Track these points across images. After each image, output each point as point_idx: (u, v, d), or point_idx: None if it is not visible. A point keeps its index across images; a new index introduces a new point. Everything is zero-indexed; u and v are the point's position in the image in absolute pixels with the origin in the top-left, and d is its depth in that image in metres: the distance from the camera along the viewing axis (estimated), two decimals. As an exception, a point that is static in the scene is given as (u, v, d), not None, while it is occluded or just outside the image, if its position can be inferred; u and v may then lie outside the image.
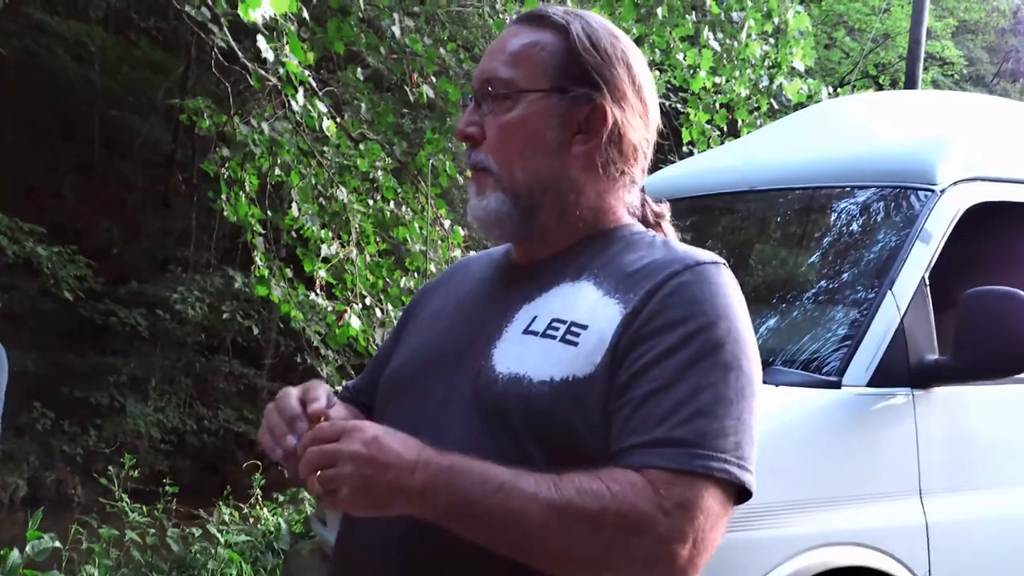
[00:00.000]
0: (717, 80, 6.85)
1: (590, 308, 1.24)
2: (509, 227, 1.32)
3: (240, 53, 5.97)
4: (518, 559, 1.14)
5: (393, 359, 1.42)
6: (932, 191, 2.99)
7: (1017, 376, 2.72)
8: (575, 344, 1.22)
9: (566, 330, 1.23)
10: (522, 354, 1.24)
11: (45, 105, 9.94)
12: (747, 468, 1.16)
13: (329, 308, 6.41)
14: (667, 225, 1.43)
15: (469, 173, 1.36)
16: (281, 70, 5.51)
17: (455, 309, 1.38)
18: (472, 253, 1.61)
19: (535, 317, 1.27)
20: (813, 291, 3.20)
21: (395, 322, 1.62)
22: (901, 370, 2.69)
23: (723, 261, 1.27)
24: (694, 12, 6.67)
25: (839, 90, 8.52)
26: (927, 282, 2.84)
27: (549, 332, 1.24)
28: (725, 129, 7.07)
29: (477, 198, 1.33)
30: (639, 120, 1.34)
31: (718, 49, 6.70)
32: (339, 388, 1.55)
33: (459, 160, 7.29)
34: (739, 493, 1.18)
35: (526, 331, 1.26)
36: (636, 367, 1.19)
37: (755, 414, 1.20)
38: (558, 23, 1.32)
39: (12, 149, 9.44)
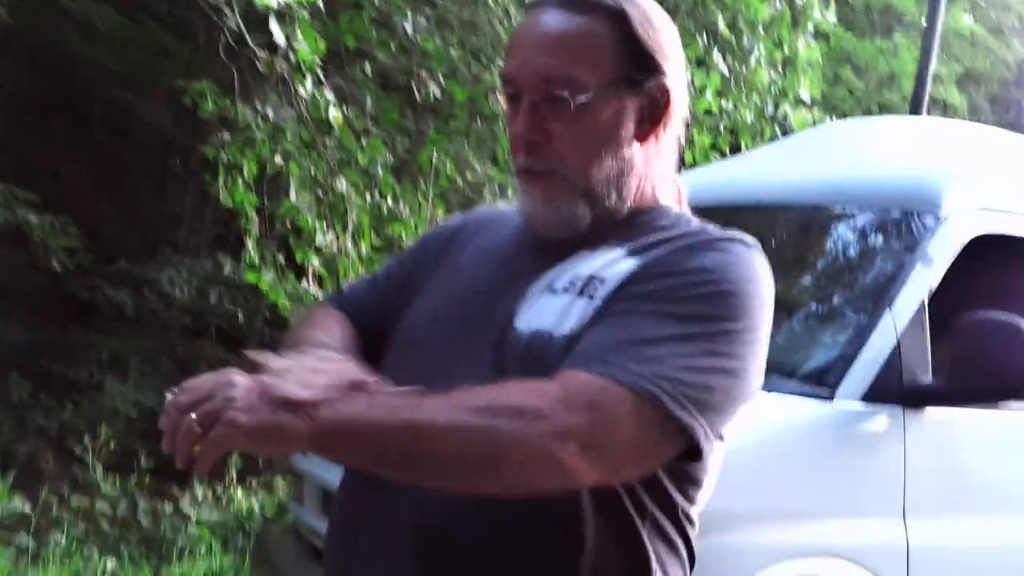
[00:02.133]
0: (723, 104, 6.86)
1: (610, 264, 1.22)
2: (579, 227, 1.25)
3: (250, 40, 5.95)
4: (410, 476, 1.07)
5: (415, 305, 1.35)
6: (937, 217, 2.99)
7: (1007, 403, 2.72)
8: (592, 297, 1.19)
9: (583, 284, 1.20)
10: (542, 310, 1.21)
11: (49, 82, 9.91)
12: (687, 409, 1.08)
13: (320, 297, 6.38)
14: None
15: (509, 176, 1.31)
16: (292, 56, 5.50)
17: (482, 265, 1.33)
18: (500, 206, 1.54)
19: (557, 276, 1.24)
20: (813, 307, 3.20)
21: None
22: (894, 389, 2.69)
23: (756, 244, 1.23)
24: (705, 33, 6.70)
25: (842, 126, 8.57)
26: (926, 306, 2.84)
27: (569, 288, 1.21)
28: (728, 153, 7.09)
29: (544, 204, 1.24)
30: (685, 88, 1.30)
31: (726, 73, 6.72)
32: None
33: (460, 162, 7.29)
34: (686, 446, 1.10)
35: (548, 289, 1.23)
36: (621, 295, 1.16)
37: (723, 386, 1.12)
38: (611, 8, 1.23)
39: (12, 124, 9.39)
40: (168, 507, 5.18)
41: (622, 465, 1.10)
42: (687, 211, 1.36)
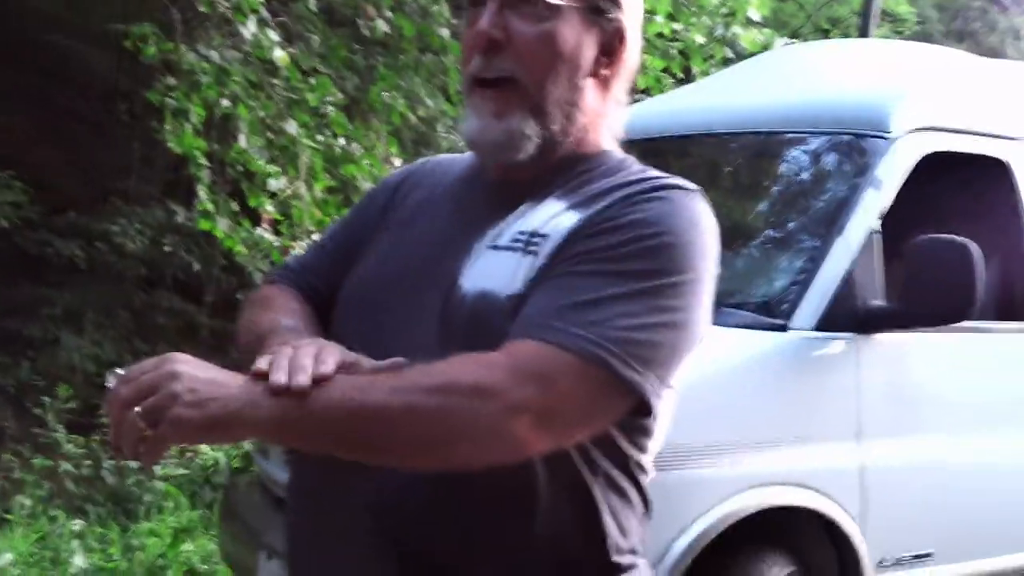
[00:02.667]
0: (675, 27, 6.79)
1: (551, 219, 1.20)
2: (524, 150, 1.21)
3: (188, -22, 5.77)
4: (365, 456, 1.06)
5: (362, 263, 1.32)
6: (886, 139, 2.99)
7: (959, 325, 2.76)
8: (536, 255, 1.17)
9: (526, 241, 1.18)
10: (486, 269, 1.19)
11: (-21, 27, 9.54)
12: (634, 368, 1.07)
13: (275, 243, 6.31)
14: None
15: (463, 89, 1.24)
16: (231, -4, 5.34)
17: (427, 223, 1.30)
18: (438, 156, 1.49)
19: (501, 232, 1.21)
20: (763, 236, 3.21)
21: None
22: (847, 315, 2.71)
23: (698, 189, 1.22)
24: (654, -44, 6.59)
25: (792, 41, 8.53)
26: (878, 230, 2.85)
27: (513, 245, 1.19)
28: (680, 76, 7.03)
29: (494, 118, 1.21)
30: (639, 42, 1.29)
31: (677, -5, 6.64)
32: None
33: (412, 98, 7.17)
34: (636, 403, 1.10)
35: (491, 246, 1.21)
36: (564, 256, 1.15)
37: (670, 340, 1.12)
38: None
39: (-56, 72, 9.07)
40: (133, 464, 5.15)
41: (573, 430, 1.10)
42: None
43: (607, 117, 1.29)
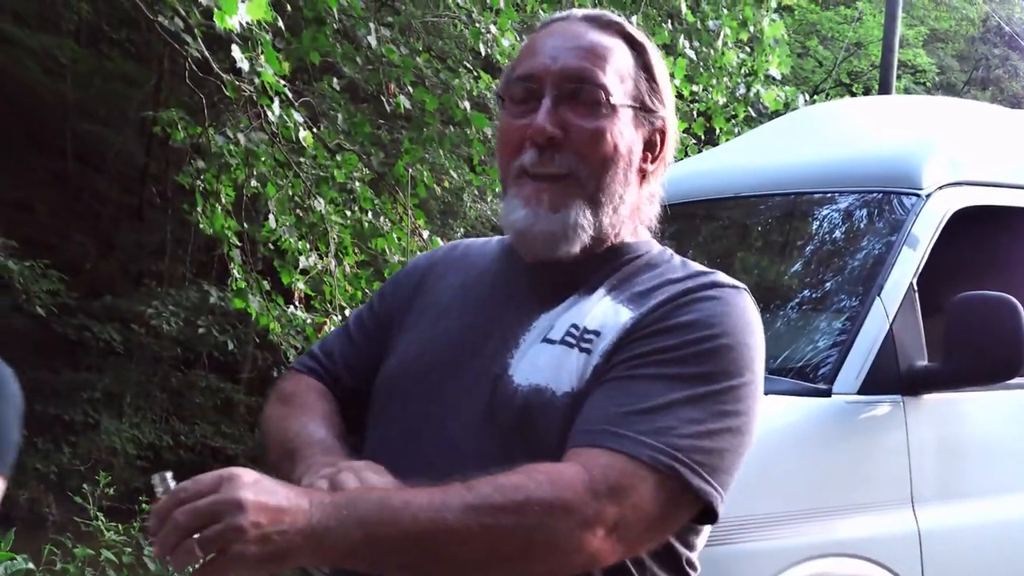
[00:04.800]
0: (694, 88, 6.84)
1: (603, 315, 1.20)
2: (579, 242, 1.22)
3: (214, 64, 5.90)
4: (439, 575, 1.04)
5: (396, 352, 1.31)
6: (918, 195, 2.97)
7: (1008, 382, 2.70)
8: (590, 352, 1.17)
9: (580, 337, 1.18)
10: (541, 363, 1.18)
11: (16, 119, 9.81)
12: (704, 478, 1.08)
13: (308, 320, 6.34)
14: None
15: (507, 179, 1.24)
16: (256, 80, 5.45)
17: (464, 306, 1.30)
18: (466, 240, 1.48)
19: (553, 325, 1.21)
20: (799, 299, 3.18)
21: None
22: (891, 377, 2.67)
23: (744, 287, 1.23)
24: (670, 20, 6.67)
25: (814, 98, 8.57)
26: (915, 288, 2.82)
27: (566, 340, 1.19)
28: (703, 137, 7.07)
29: (551, 211, 1.20)
30: (676, 135, 1.33)
31: (694, 57, 6.70)
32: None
33: (436, 170, 7.25)
34: (703, 510, 1.11)
35: (544, 339, 1.20)
36: (622, 357, 1.14)
37: (733, 445, 1.11)
38: (634, 37, 1.27)
39: (-18, 163, 9.30)
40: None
41: (644, 541, 1.10)
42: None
43: (644, 209, 1.32)
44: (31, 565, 4.31)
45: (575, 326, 1.20)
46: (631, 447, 1.06)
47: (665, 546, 1.17)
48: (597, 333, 1.18)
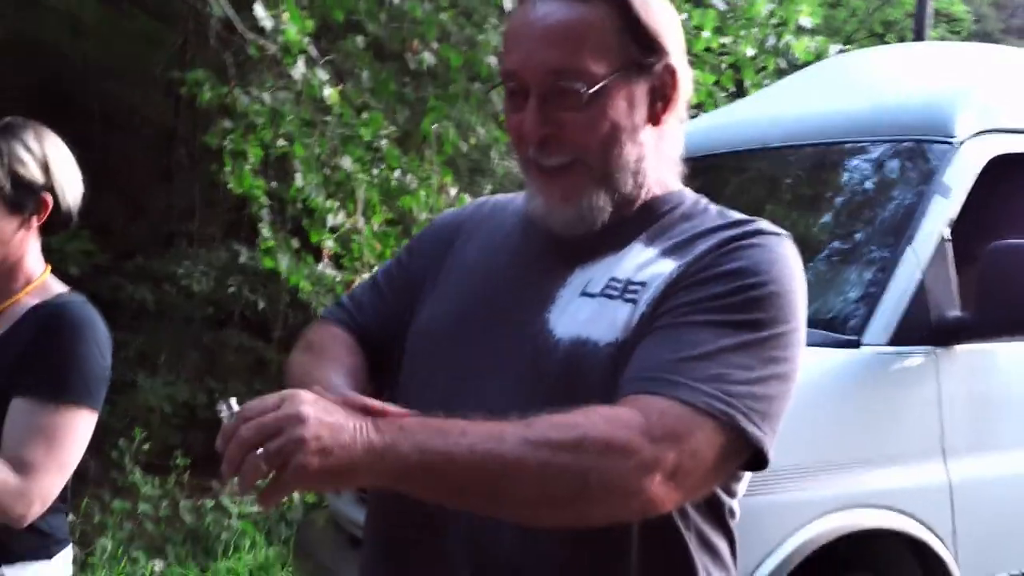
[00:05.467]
0: (724, 40, 6.74)
1: (647, 266, 1.19)
2: (599, 221, 1.21)
3: (238, 24, 5.88)
4: (491, 510, 1.05)
5: (428, 310, 1.30)
6: (950, 144, 2.92)
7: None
8: (635, 303, 1.16)
9: (623, 288, 1.17)
10: (582, 316, 1.17)
11: (41, 82, 9.85)
12: (757, 424, 1.07)
13: (337, 278, 6.37)
14: None
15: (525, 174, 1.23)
16: (280, 39, 5.43)
17: (495, 265, 1.28)
18: (494, 197, 1.47)
19: (590, 280, 1.20)
20: (830, 250, 3.15)
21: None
22: (922, 328, 2.65)
23: (787, 234, 1.22)
24: (699, -29, 6.56)
25: (847, 47, 8.42)
26: (948, 237, 2.78)
27: (608, 291, 1.18)
28: (733, 90, 6.97)
29: (563, 202, 1.20)
30: (688, 69, 1.27)
31: (723, 8, 6.59)
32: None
33: (463, 127, 7.21)
34: (752, 457, 1.10)
35: (583, 293, 1.19)
36: (671, 305, 1.14)
37: (781, 392, 1.12)
38: None
39: (11, 126, 9.37)
40: (209, 503, 5.22)
41: (700, 487, 1.10)
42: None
43: (668, 151, 1.28)
44: (71, 517, 4.41)
45: (615, 279, 1.19)
46: (686, 394, 1.05)
47: (711, 495, 1.18)
48: (643, 284, 1.17)
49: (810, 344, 2.57)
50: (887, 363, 2.60)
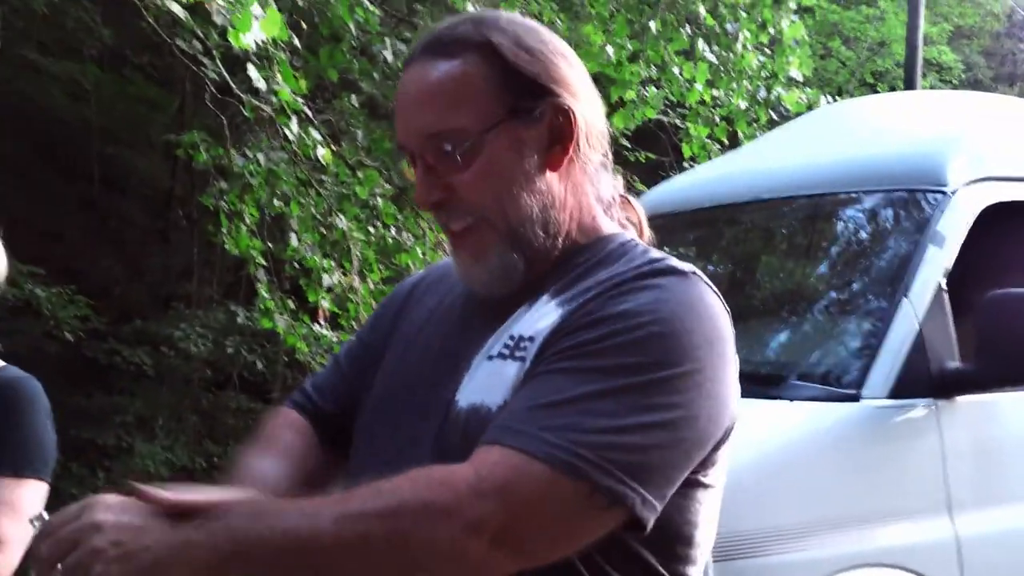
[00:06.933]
0: (715, 93, 6.79)
1: (541, 319, 1.13)
2: (516, 278, 1.17)
3: (234, 85, 5.93)
4: None
5: (373, 384, 1.28)
6: (944, 193, 2.91)
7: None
8: (524, 360, 1.11)
9: (515, 346, 1.12)
10: (480, 381, 1.13)
11: (42, 145, 9.93)
12: (617, 477, 0.98)
13: (335, 339, 6.35)
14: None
15: (444, 239, 1.24)
16: (274, 99, 5.47)
17: (433, 332, 1.26)
18: (448, 259, 1.45)
19: (496, 340, 1.16)
20: (825, 302, 3.12)
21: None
22: (922, 380, 2.60)
23: (694, 271, 1.14)
24: (688, 25, 6.62)
25: (838, 98, 8.48)
26: (944, 287, 2.76)
27: (502, 351, 1.13)
28: (726, 142, 7.01)
29: (476, 263, 1.17)
30: (595, 105, 1.21)
31: (714, 61, 6.64)
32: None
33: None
34: (627, 517, 1.00)
35: (488, 356, 1.15)
36: (546, 355, 1.08)
37: (665, 441, 1.02)
38: (477, 42, 1.15)
39: (9, 191, 9.41)
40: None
41: (544, 549, 1.01)
42: (639, 233, 1.27)
43: (589, 194, 1.22)
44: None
45: (511, 336, 1.14)
46: (527, 443, 0.98)
47: (638, 562, 1.08)
48: (531, 339, 1.12)
49: (808, 398, 2.55)
50: (888, 416, 2.55)
